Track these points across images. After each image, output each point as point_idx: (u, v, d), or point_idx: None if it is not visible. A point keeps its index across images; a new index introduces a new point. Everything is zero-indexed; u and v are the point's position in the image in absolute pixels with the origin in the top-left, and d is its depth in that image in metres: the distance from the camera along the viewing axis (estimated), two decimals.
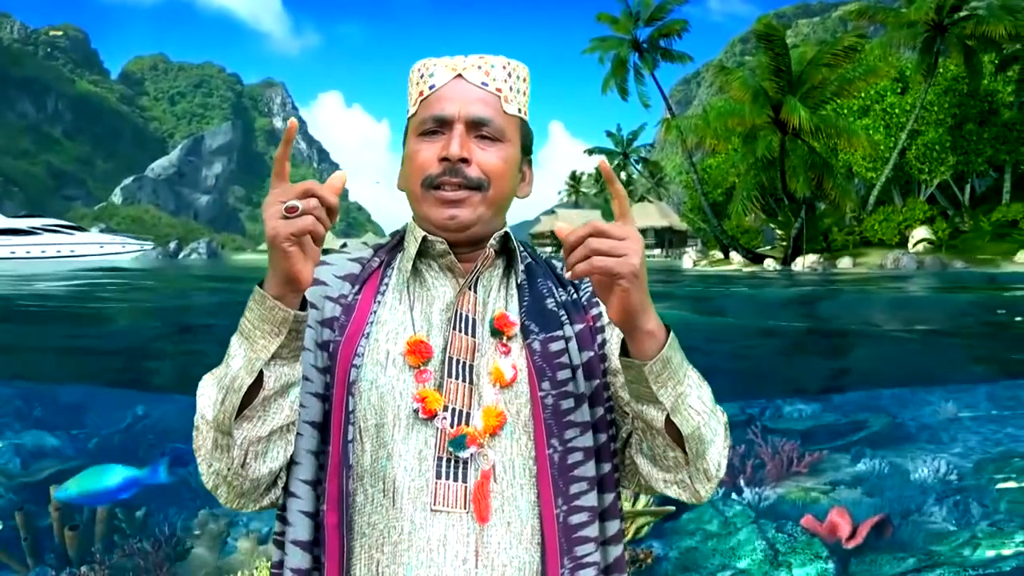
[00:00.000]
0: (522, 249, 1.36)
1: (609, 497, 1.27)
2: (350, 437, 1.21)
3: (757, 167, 34.15)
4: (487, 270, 1.32)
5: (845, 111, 36.47)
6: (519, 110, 1.32)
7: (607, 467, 1.26)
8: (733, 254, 39.29)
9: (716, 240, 41.40)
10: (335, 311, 1.27)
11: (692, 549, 5.33)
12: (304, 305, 1.16)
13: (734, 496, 6.04)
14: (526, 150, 1.35)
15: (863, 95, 36.16)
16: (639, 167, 73.32)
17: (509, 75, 1.31)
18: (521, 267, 1.33)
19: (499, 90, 1.29)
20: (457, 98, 1.27)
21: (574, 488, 1.22)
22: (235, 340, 1.15)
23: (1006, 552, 5.02)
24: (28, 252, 64.02)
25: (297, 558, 1.22)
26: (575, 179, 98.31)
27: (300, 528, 1.22)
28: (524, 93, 1.34)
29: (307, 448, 1.23)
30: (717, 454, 1.21)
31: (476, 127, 1.27)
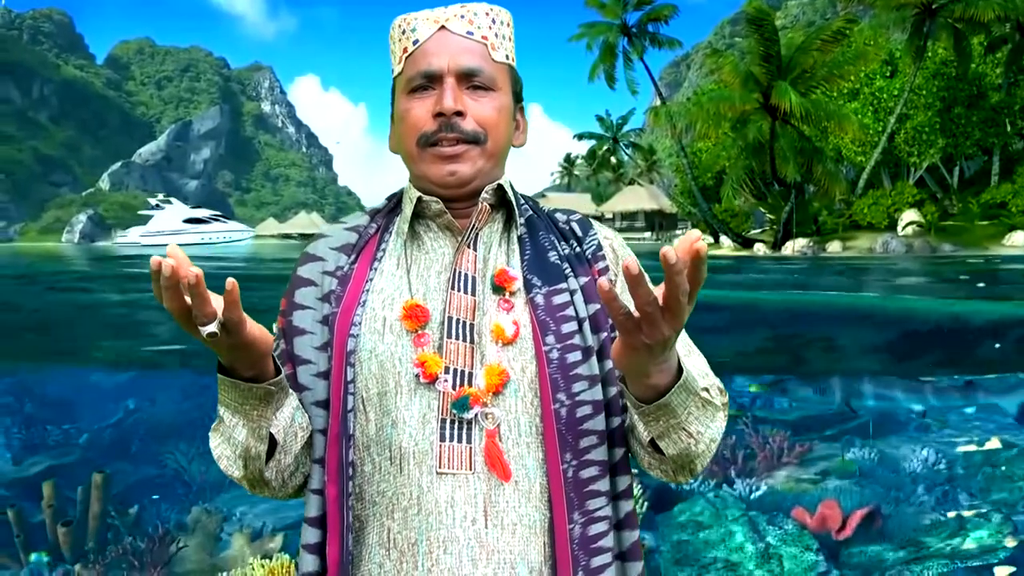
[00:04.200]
0: (523, 202, 1.33)
1: (619, 452, 1.23)
2: (350, 407, 1.19)
3: (747, 152, 34.06)
4: (486, 226, 1.29)
5: (835, 94, 36.38)
6: (507, 56, 1.29)
7: (616, 421, 1.22)
8: (723, 238, 39.25)
9: (706, 224, 41.36)
10: (332, 284, 1.25)
11: (684, 542, 5.36)
12: (277, 366, 1.15)
13: (726, 488, 6.08)
14: (517, 97, 1.32)
15: (852, 79, 36.07)
16: (629, 151, 73.08)
17: (493, 21, 1.28)
18: (521, 220, 1.30)
19: (485, 38, 1.26)
20: (444, 51, 1.24)
21: (584, 442, 1.18)
22: (225, 413, 1.15)
23: (994, 543, 5.07)
24: (211, 239, 71.83)
25: (307, 535, 1.22)
26: (569, 162, 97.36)
27: (311, 506, 1.21)
28: (509, 39, 1.31)
29: (317, 428, 1.22)
30: (706, 460, 1.19)
31: (467, 78, 1.24)
